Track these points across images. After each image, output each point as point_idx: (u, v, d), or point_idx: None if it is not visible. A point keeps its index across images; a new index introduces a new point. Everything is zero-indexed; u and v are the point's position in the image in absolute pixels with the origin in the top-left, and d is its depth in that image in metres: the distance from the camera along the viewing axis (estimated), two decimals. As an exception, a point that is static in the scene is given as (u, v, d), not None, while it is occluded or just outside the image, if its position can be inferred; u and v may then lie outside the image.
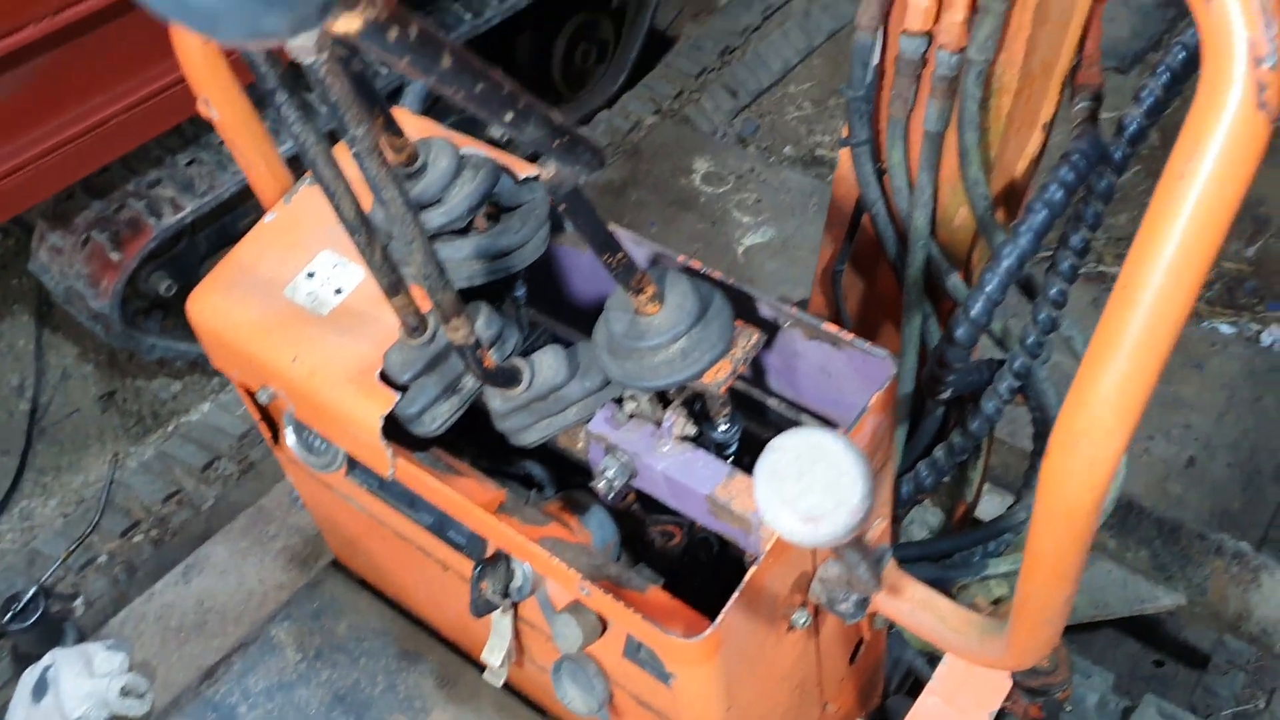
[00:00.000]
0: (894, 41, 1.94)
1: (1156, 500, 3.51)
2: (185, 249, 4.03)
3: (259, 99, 1.69)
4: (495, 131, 4.28)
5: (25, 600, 3.26)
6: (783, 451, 0.91)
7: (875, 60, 1.98)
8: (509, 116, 0.84)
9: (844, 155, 2.11)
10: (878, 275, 2.22)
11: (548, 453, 1.70)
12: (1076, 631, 3.42)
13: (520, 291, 1.77)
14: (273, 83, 1.17)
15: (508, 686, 1.92)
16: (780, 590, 1.41)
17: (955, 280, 2.03)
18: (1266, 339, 4.49)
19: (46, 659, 2.07)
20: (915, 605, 1.62)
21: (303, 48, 1.05)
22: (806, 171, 5.15)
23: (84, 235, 3.79)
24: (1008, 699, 2.27)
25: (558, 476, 1.77)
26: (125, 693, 2.04)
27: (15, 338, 4.50)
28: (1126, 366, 1.04)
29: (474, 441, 1.79)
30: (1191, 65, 1.80)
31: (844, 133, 2.05)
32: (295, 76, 1.22)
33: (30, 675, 2.06)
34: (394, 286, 1.40)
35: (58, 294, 3.91)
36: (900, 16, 1.92)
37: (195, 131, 3.97)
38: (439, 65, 0.74)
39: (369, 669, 1.94)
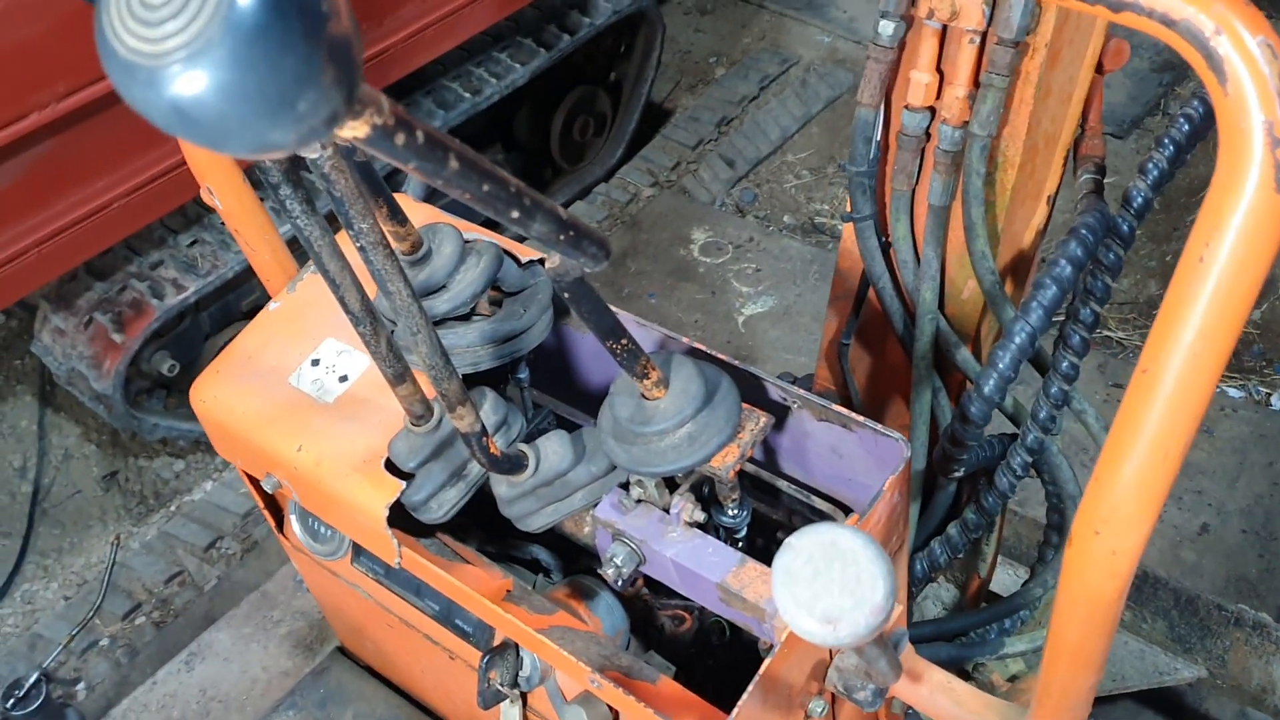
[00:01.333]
0: (896, 117, 1.95)
1: (1170, 568, 3.47)
2: (188, 328, 4.02)
3: (257, 181, 1.69)
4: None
5: (27, 686, 3.22)
6: (798, 551, 0.89)
7: (878, 136, 1.98)
8: (515, 214, 0.83)
9: (848, 230, 2.11)
10: (885, 348, 2.21)
11: (555, 537, 1.68)
12: (1095, 705, 3.35)
13: (524, 374, 1.76)
14: (276, 177, 1.16)
15: (518, 777, 1.87)
16: (796, 679, 1.38)
17: (965, 354, 2.02)
18: (1276, 402, 4.47)
19: (45, 755, 2.03)
20: (933, 689, 1.59)
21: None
22: (806, 239, 5.16)
23: (87, 317, 3.79)
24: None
25: (565, 561, 1.74)
26: (126, 789, 1.99)
27: (18, 419, 4.49)
28: (1148, 454, 1.02)
29: (481, 525, 1.77)
30: (1196, 137, 1.81)
31: (848, 207, 2.05)
32: (296, 160, 1.22)
33: (29, 772, 2.01)
34: (399, 375, 1.39)
35: (60, 375, 3.90)
36: (902, 92, 1.93)
37: (198, 212, 3.98)
38: (446, 168, 0.73)
39: (375, 761, 1.90)
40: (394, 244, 1.50)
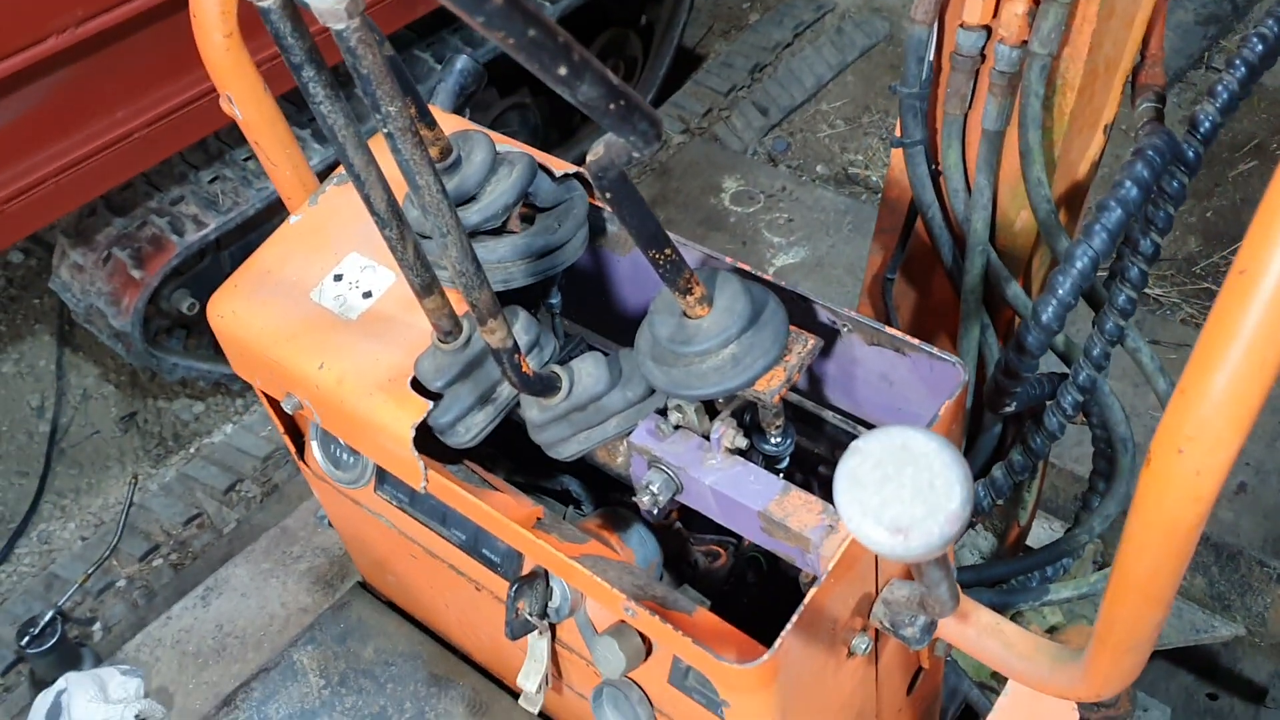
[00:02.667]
0: (950, 36, 1.85)
1: (1209, 526, 3.36)
2: (209, 267, 3.96)
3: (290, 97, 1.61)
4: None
5: (43, 624, 3.18)
6: (865, 454, 0.81)
7: (930, 56, 1.89)
8: (562, 71, 0.75)
9: (896, 157, 2.01)
10: (932, 283, 2.12)
11: (586, 467, 1.60)
12: (1127, 662, 3.28)
13: (556, 299, 1.68)
14: (299, 56, 1.08)
15: (543, 715, 1.81)
16: (841, 613, 1.31)
17: (1016, 289, 1.93)
18: (1317, 360, 4.35)
19: (60, 683, 1.99)
20: (981, 631, 1.51)
21: (332, 12, 0.96)
22: (839, 190, 5.05)
23: (106, 252, 3.73)
24: (1068, 733, 2.15)
25: (596, 493, 1.67)
26: (141, 718, 1.95)
27: (36, 358, 4.44)
28: (1244, 364, 0.93)
29: (509, 456, 1.70)
30: (1271, 57, 1.70)
31: (897, 131, 1.95)
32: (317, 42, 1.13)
33: (43, 700, 1.97)
34: (427, 287, 1.31)
35: (79, 312, 3.85)
36: (957, 9, 1.82)
37: (219, 147, 3.91)
38: (488, 2, 0.64)
39: (396, 695, 1.84)
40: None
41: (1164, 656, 3.39)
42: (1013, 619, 2.47)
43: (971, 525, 2.09)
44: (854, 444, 0.82)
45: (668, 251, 1.22)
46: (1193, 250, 4.81)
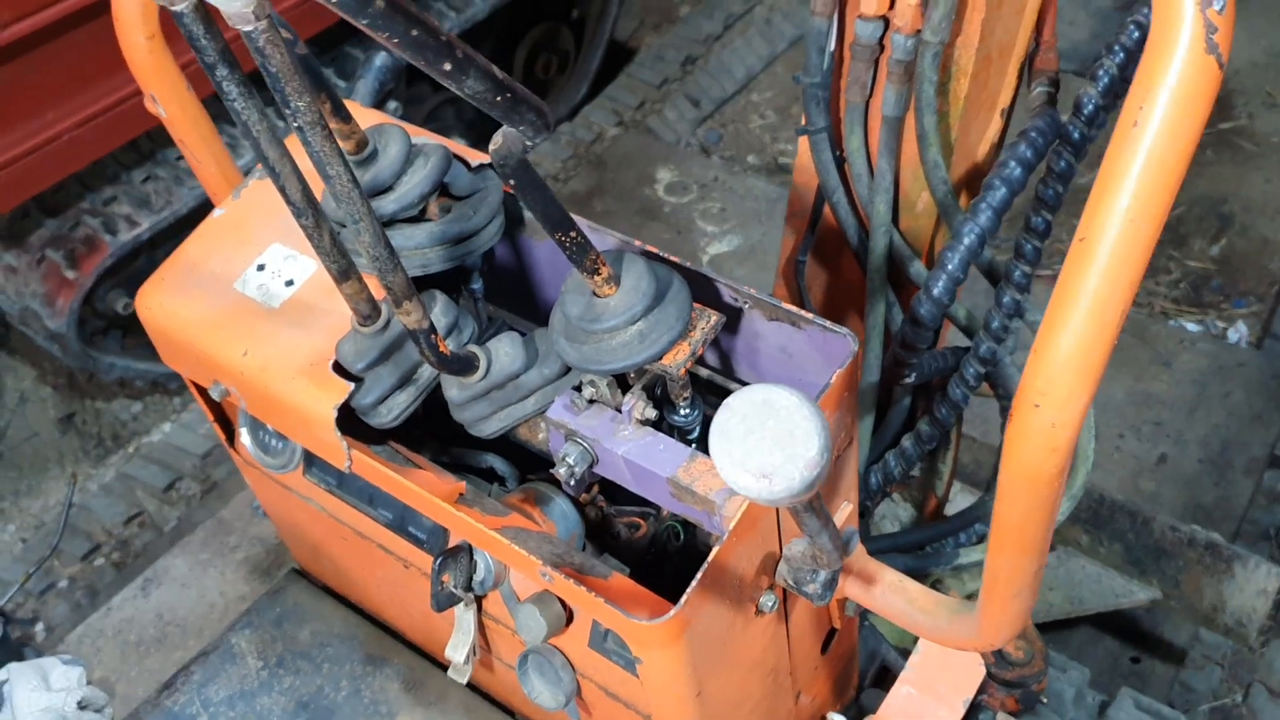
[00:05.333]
0: (850, 27, 1.93)
1: (1129, 497, 3.49)
2: (144, 266, 3.97)
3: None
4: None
5: (-16, 626, 3.19)
6: (732, 410, 0.89)
7: (831, 46, 1.97)
8: (446, 66, 0.82)
9: (803, 144, 2.10)
10: (840, 264, 2.21)
11: (509, 446, 1.67)
12: (1053, 629, 3.40)
13: (478, 284, 1.74)
14: (212, 56, 1.13)
15: (474, 688, 1.88)
16: (746, 571, 1.38)
17: (918, 267, 2.02)
18: (1233, 335, 4.51)
19: (1, 674, 2.01)
20: (885, 589, 1.60)
21: (240, 15, 1.02)
22: (771, 179, 5.15)
23: (39, 254, 3.74)
24: (984, 692, 2.25)
25: (520, 471, 1.74)
26: (83, 706, 1.98)
27: (-28, 362, 4.44)
28: (1086, 324, 1.02)
29: (434, 436, 1.76)
30: (1145, 42, 1.80)
31: (802, 121, 2.04)
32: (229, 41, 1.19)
33: (-16, 691, 2.00)
34: (344, 272, 1.37)
35: (13, 314, 3.85)
36: (855, 1, 1.91)
37: (151, 148, 3.92)
38: (371, 5, 0.71)
39: (333, 675, 1.90)
40: (338, 142, 1.47)
41: (1088, 622, 3.51)
42: (933, 587, 2.57)
43: (887, 495, 2.18)
44: (725, 401, 0.90)
45: (573, 234, 1.30)
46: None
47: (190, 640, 2.11)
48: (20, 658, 3.10)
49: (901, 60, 1.90)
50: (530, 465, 1.75)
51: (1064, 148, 1.83)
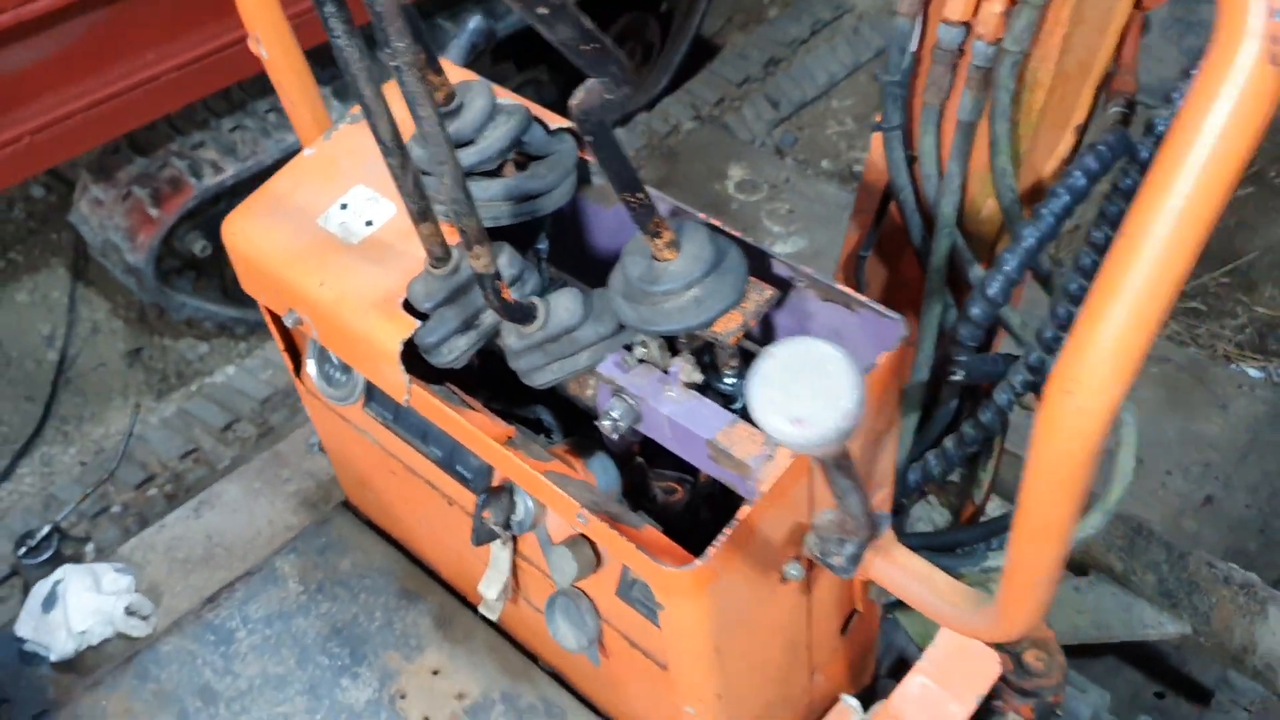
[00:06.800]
0: (933, 29, 1.97)
1: (1171, 536, 3.49)
2: (223, 211, 4.05)
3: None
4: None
5: (40, 537, 3.33)
6: (775, 358, 0.94)
7: (913, 47, 2.01)
8: (541, 10, 0.88)
9: (876, 141, 2.14)
10: (901, 263, 2.25)
11: (559, 400, 1.73)
12: (1078, 654, 3.40)
13: (543, 245, 1.81)
14: (320, -11, 1.20)
15: (501, 631, 1.94)
16: (774, 536, 1.43)
17: (978, 271, 2.05)
18: (1296, 384, 4.47)
19: (58, 573, 2.12)
20: (910, 574, 1.64)
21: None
22: (843, 186, 5.18)
23: (125, 190, 3.86)
24: (1000, 698, 2.28)
25: (567, 425, 1.80)
26: (130, 612, 2.08)
27: (50, 289, 4.58)
28: (1126, 317, 1.06)
29: (489, 388, 1.83)
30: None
31: (877, 118, 2.08)
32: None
33: (41, 587, 2.10)
34: (422, 213, 1.44)
35: (95, 246, 3.99)
36: (940, 5, 1.95)
37: (242, 98, 4.04)
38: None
39: (368, 605, 1.97)
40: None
41: (1114, 652, 3.52)
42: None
43: (924, 494, 2.22)
44: (766, 349, 0.96)
45: (640, 195, 1.36)
46: (1183, 270, 4.90)
47: (235, 562, 2.20)
48: (71, 571, 3.21)
49: (980, 67, 1.93)
50: (577, 424, 1.81)
51: (1131, 166, 1.85)
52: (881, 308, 1.47)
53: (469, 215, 1.35)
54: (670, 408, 1.49)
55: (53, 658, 2.06)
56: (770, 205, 5.05)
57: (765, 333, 1.66)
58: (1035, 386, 2.09)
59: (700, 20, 5.43)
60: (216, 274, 4.26)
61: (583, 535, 1.56)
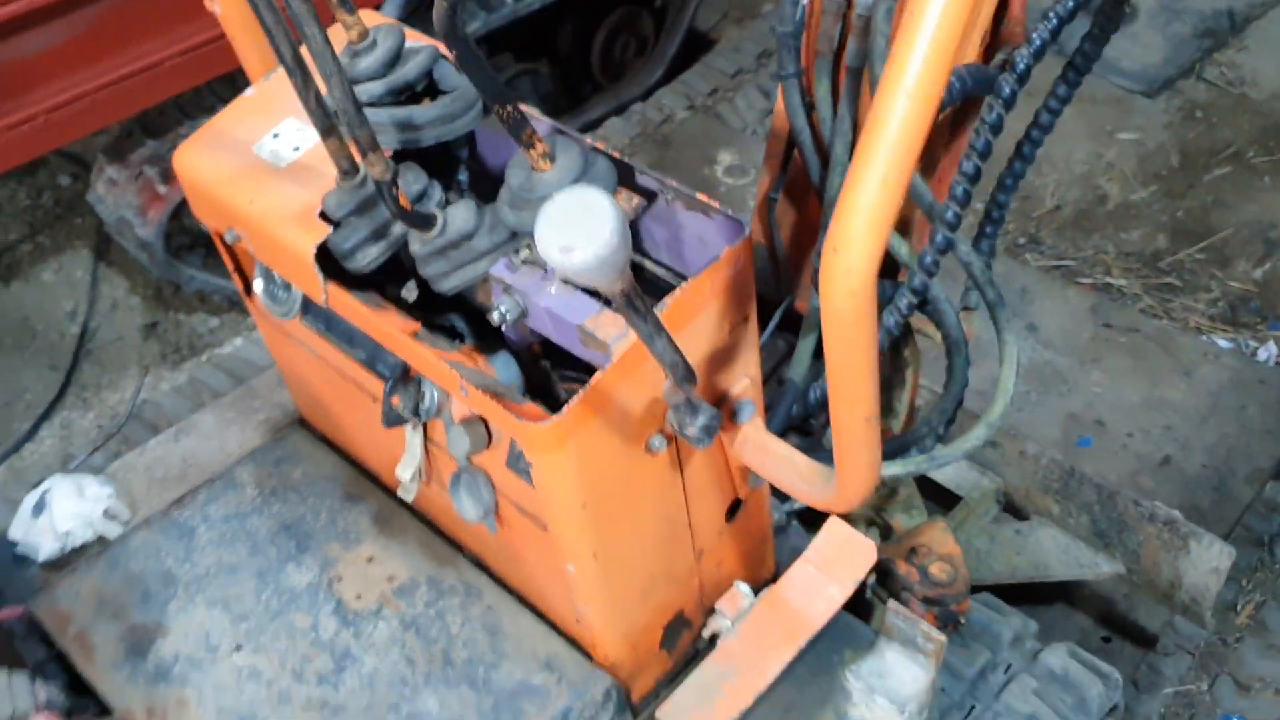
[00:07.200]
0: (820, -17, 2.18)
1: (1090, 468, 3.60)
2: (229, 191, 4.35)
3: None
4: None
5: (52, 487, 3.58)
6: (556, 202, 1.16)
7: (805, 0, 2.22)
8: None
9: (780, 89, 2.34)
10: (807, 204, 2.45)
11: (469, 311, 1.95)
12: (1027, 600, 3.55)
13: (463, 176, 2.03)
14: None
15: (433, 528, 2.16)
16: (632, 407, 1.64)
17: (866, 204, 2.24)
18: (1262, 354, 4.59)
19: (46, 483, 2.37)
20: (774, 457, 1.84)
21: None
22: (827, 169, 5.35)
23: (137, 170, 4.14)
24: (902, 602, 2.46)
25: (478, 333, 2.01)
26: (108, 516, 2.32)
27: (74, 269, 4.89)
28: (876, 185, 1.26)
29: (410, 307, 2.05)
30: (1075, 12, 2.02)
31: (775, 67, 2.28)
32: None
33: (32, 496, 2.35)
34: (327, 130, 1.66)
35: (110, 224, 4.26)
36: (825, -42, 2.15)
37: (246, 83, 4.29)
38: None
39: (315, 506, 2.20)
40: (342, 31, 1.78)
41: (1064, 600, 3.67)
42: (877, 515, 2.79)
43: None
44: (552, 197, 1.17)
45: (509, 108, 1.57)
46: (1160, 246, 5.04)
47: (206, 477, 2.44)
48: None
49: (862, 15, 2.13)
50: (487, 333, 2.03)
51: (995, 100, 2.05)
52: (729, 211, 1.68)
53: (360, 126, 1.57)
54: (548, 300, 1.70)
55: (40, 558, 2.30)
56: (756, 189, 5.24)
57: (637, 237, 1.87)
58: (926, 313, 2.29)
59: (694, 13, 5.63)
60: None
61: (479, 417, 1.78)
